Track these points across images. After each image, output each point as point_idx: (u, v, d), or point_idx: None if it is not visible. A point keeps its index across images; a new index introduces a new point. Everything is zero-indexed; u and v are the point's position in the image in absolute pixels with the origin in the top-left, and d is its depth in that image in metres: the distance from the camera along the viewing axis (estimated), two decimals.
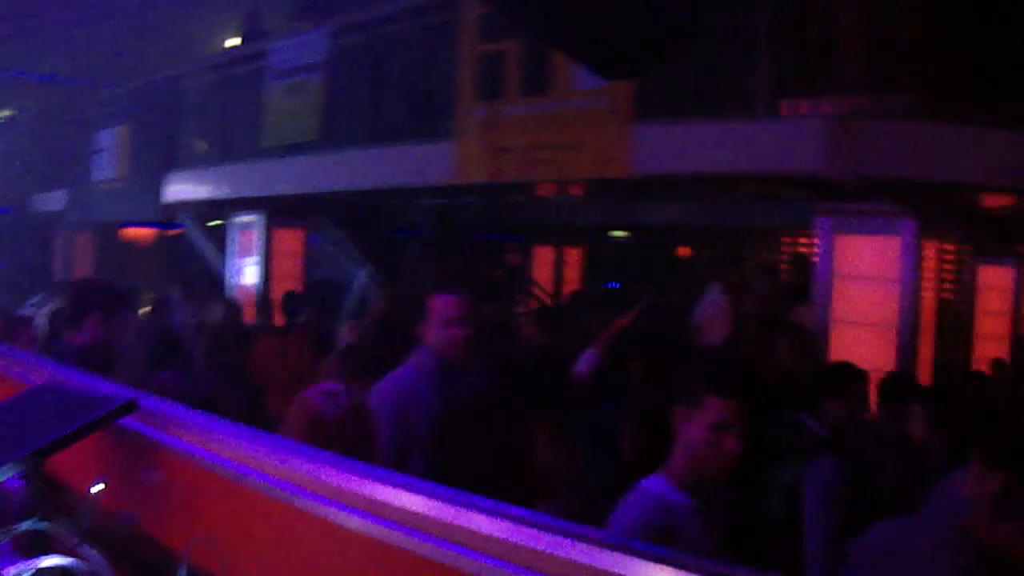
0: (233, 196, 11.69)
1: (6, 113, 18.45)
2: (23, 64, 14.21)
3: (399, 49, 9.67)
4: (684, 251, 13.62)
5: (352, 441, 3.10)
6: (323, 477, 2.07)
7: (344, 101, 10.20)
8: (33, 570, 2.24)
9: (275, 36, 11.75)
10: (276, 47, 11.20)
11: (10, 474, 2.54)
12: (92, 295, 4.52)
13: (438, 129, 9.10)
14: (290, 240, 11.97)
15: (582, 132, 7.69)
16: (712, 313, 6.79)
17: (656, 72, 6.47)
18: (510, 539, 1.67)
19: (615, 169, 7.43)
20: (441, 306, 3.89)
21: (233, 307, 8.46)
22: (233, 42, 13.38)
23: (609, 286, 13.34)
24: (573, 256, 13.53)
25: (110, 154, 14.48)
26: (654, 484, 2.95)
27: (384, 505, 1.89)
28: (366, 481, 1.98)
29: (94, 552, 2.36)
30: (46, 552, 2.34)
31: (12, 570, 2.24)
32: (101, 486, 2.70)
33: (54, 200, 16.45)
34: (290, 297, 8.76)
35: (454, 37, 8.81)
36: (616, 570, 1.56)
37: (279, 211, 11.66)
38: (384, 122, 9.85)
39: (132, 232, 16.30)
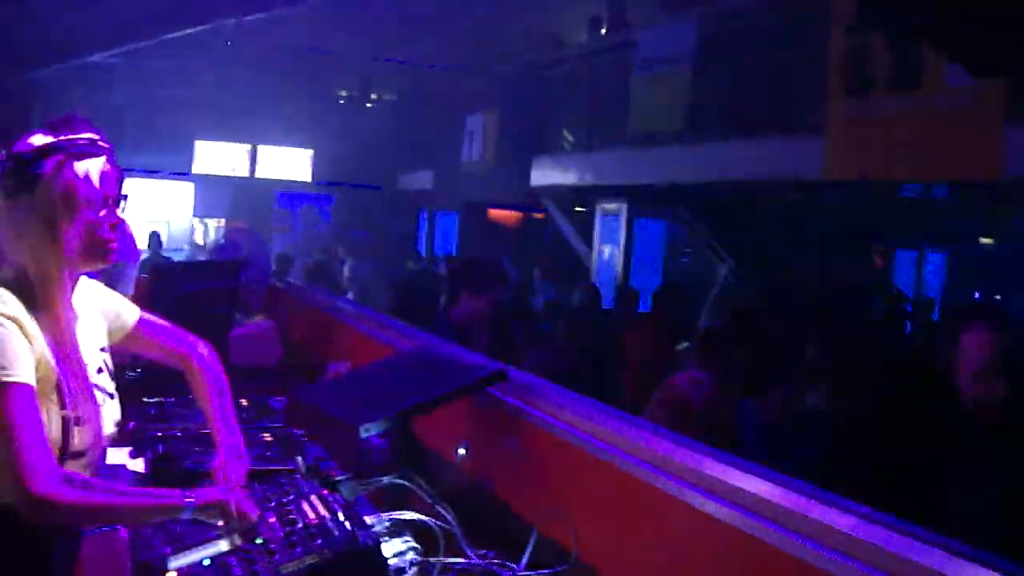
0: (597, 184, 13.20)
1: (376, 96, 21.82)
2: (393, 49, 16.84)
3: (763, 40, 10.55)
4: None
5: (713, 427, 3.57)
6: (681, 459, 2.25)
7: (709, 92, 11.34)
8: (389, 522, 2.59)
9: (639, 26, 13.16)
10: (643, 37, 12.62)
11: (378, 430, 2.94)
12: (471, 272, 5.13)
13: (802, 122, 9.94)
14: (652, 229, 13.35)
15: (951, 131, 8.17)
16: None
17: None
18: (859, 536, 1.80)
19: (985, 171, 7.93)
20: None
21: (593, 292, 9.96)
22: (599, 31, 15.15)
23: (978, 297, 13.28)
24: (936, 262, 13.94)
25: (478, 137, 16.98)
26: None
27: (738, 491, 2.06)
28: (722, 467, 2.15)
29: (448, 512, 2.63)
30: (403, 507, 2.69)
31: (370, 519, 2.51)
32: (463, 451, 3.14)
33: (422, 180, 19.40)
34: (662, 289, 9.23)
35: (819, 29, 9.59)
36: None
37: (642, 200, 12.95)
38: (747, 114, 10.79)
39: (497, 213, 18.56)
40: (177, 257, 15.65)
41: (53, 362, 2.09)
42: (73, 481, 2.03)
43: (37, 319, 2.08)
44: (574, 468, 2.64)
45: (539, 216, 16.64)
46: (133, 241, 6.99)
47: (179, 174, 20.33)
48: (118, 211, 2.20)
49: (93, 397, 2.20)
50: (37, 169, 2.08)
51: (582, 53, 14.71)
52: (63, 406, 2.09)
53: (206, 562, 2.24)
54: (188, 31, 13.08)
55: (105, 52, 14.01)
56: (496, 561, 2.57)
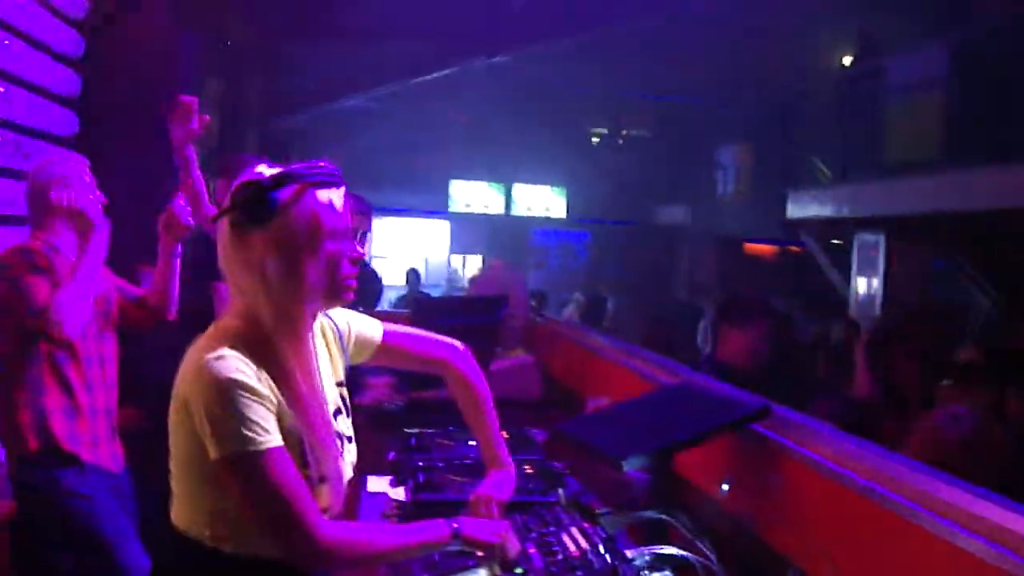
0: (854, 215, 12.83)
1: (629, 132, 22.01)
2: (644, 85, 16.99)
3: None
4: None
5: (978, 465, 3.28)
6: (947, 497, 2.16)
7: (967, 117, 10.83)
8: (649, 556, 2.54)
9: (890, 52, 12.78)
10: (894, 63, 12.29)
11: (640, 464, 2.93)
12: (738, 308, 5.15)
13: None
14: (910, 260, 12.74)
15: None
16: None
17: None
18: None
19: None
20: None
21: (853, 326, 9.56)
22: (847, 59, 14.89)
23: None
24: None
25: (731, 170, 16.96)
26: None
27: (1005, 531, 1.97)
28: (990, 505, 2.06)
29: (709, 548, 2.60)
30: (664, 542, 2.65)
31: (631, 553, 2.48)
32: (726, 487, 3.08)
33: (676, 214, 19.46)
34: (918, 321, 9.34)
35: None
36: None
37: (900, 230, 12.45)
38: (1010, 138, 10.09)
39: (754, 246, 18.34)
40: (435, 293, 16.09)
41: (294, 420, 2.01)
42: (347, 528, 2.06)
43: (272, 373, 1.99)
44: (836, 505, 2.53)
45: (794, 249, 16.26)
46: (376, 280, 7.24)
47: (435, 212, 20.96)
48: (359, 246, 2.11)
49: (336, 452, 2.13)
50: (276, 196, 1.97)
51: (833, 82, 14.43)
52: (305, 465, 2.02)
53: None
54: (439, 75, 13.54)
55: (359, 97, 14.62)
56: None
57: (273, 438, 1.93)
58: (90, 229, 3.61)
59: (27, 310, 3.35)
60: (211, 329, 2.05)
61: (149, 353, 5.38)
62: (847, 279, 13.69)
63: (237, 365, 1.92)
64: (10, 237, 3.67)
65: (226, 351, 1.94)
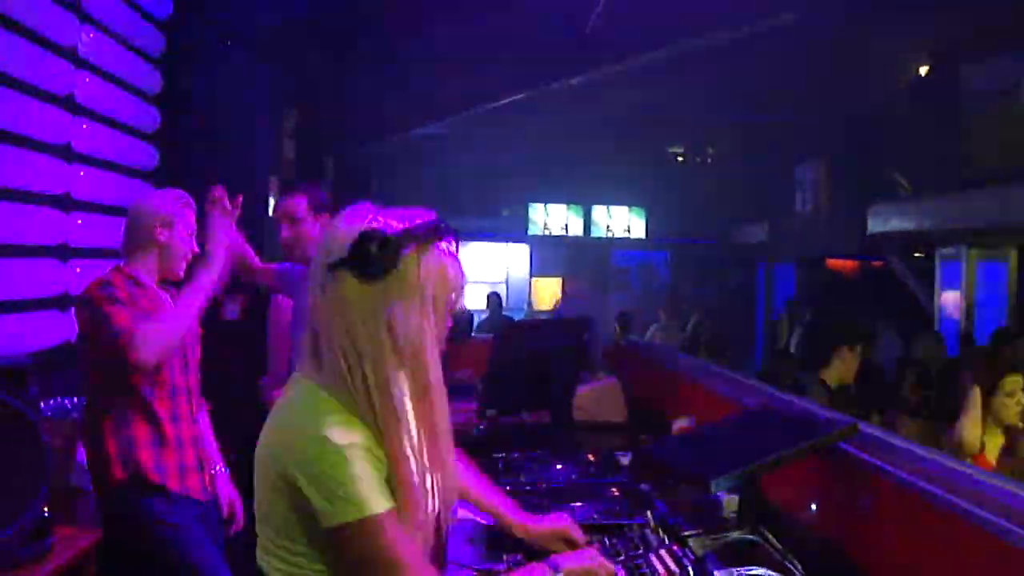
0: (936, 227, 12.61)
1: (707, 151, 21.91)
2: (721, 104, 16.91)
3: None
4: None
5: None
6: None
7: None
8: None
9: (967, 61, 12.55)
10: (973, 72, 12.13)
11: (728, 486, 2.96)
12: (830, 330, 5.40)
13: None
14: (996, 272, 12.56)
15: None
16: None
17: None
18: None
19: None
20: None
21: (939, 342, 9.51)
22: (924, 68, 14.70)
23: None
24: None
25: (810, 186, 16.75)
26: None
27: None
28: None
29: (798, 569, 2.65)
30: (753, 563, 2.68)
31: (720, 574, 2.53)
32: (814, 507, 3.08)
33: (756, 232, 19.33)
34: (998, 333, 9.13)
35: None
36: None
37: (984, 242, 12.33)
38: None
39: (835, 263, 18.12)
40: (516, 317, 16.12)
41: (403, 484, 1.95)
42: None
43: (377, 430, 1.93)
44: (926, 525, 2.51)
45: (876, 264, 16.04)
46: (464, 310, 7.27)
47: (515, 236, 21.03)
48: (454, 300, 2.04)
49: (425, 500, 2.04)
50: (405, 248, 1.93)
51: (911, 93, 14.32)
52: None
53: None
54: (515, 98, 13.62)
55: (437, 124, 14.75)
56: None
57: (385, 501, 1.90)
58: (184, 266, 3.72)
59: (106, 338, 3.41)
60: (303, 394, 1.99)
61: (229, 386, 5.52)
62: (931, 295, 13.52)
63: (352, 429, 1.89)
64: (96, 270, 3.77)
65: (338, 418, 1.90)
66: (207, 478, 3.91)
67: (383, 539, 1.88)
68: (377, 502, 1.87)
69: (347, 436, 1.87)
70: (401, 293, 1.91)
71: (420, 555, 1.94)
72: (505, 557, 2.87)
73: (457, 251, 2.00)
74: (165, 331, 3.46)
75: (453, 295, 1.99)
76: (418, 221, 1.95)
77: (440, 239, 1.96)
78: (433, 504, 2.03)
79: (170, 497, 3.63)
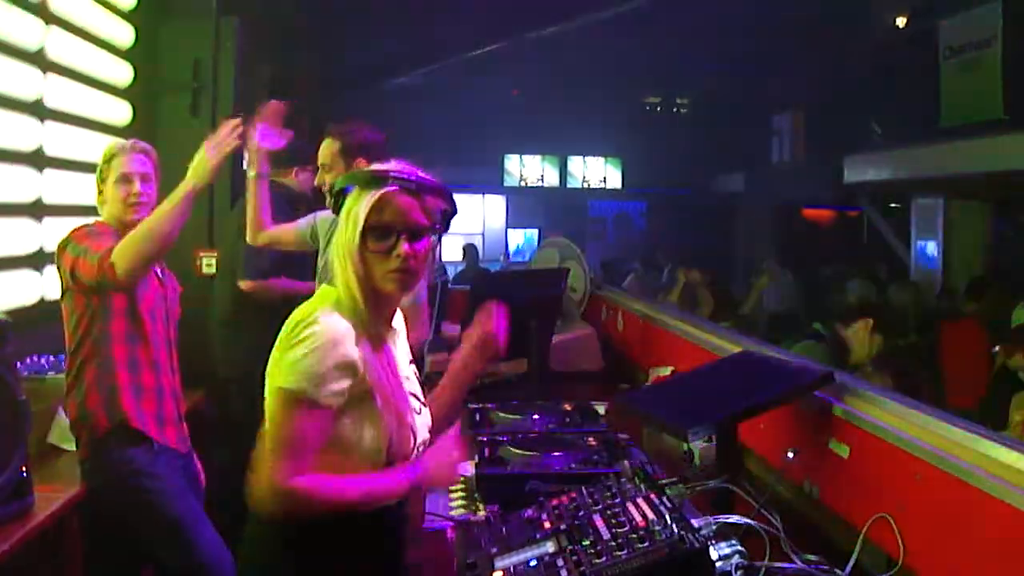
0: (911, 178, 12.56)
1: (683, 101, 21.81)
2: (697, 53, 16.80)
3: None
4: None
5: None
6: (1018, 465, 2.15)
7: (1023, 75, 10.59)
8: (715, 526, 2.58)
9: (943, 11, 12.44)
10: (947, 25, 12.07)
11: (705, 434, 3.01)
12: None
13: None
14: (971, 223, 12.69)
15: None
16: None
17: None
18: None
19: None
20: None
21: (913, 290, 9.58)
22: (901, 20, 14.63)
23: None
24: None
25: (786, 137, 16.78)
26: None
27: None
28: None
29: (774, 517, 2.66)
30: (729, 512, 2.72)
31: (697, 522, 2.49)
32: (791, 455, 3.07)
33: (733, 181, 19.33)
34: (972, 283, 9.27)
35: None
36: None
37: (960, 193, 12.36)
38: None
39: (811, 213, 18.20)
40: (493, 268, 16.09)
41: (372, 374, 2.23)
42: (317, 480, 2.15)
43: (361, 333, 2.23)
44: (900, 472, 2.54)
45: (853, 214, 16.07)
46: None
47: (490, 188, 20.95)
48: (409, 242, 2.29)
49: (409, 405, 2.36)
50: (347, 190, 2.34)
51: (887, 44, 14.22)
52: (382, 413, 2.25)
53: (532, 563, 2.31)
54: (490, 49, 13.51)
55: (411, 75, 14.65)
56: (822, 566, 2.53)
57: (322, 397, 2.13)
58: (133, 210, 3.76)
59: (86, 262, 3.49)
60: (317, 295, 2.33)
61: (213, 341, 5.50)
62: (907, 242, 13.58)
63: (342, 326, 2.19)
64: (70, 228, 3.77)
65: (335, 313, 2.21)
66: (185, 429, 3.93)
67: (297, 420, 2.14)
68: (323, 393, 2.13)
69: (341, 334, 2.17)
70: (344, 222, 2.29)
71: (308, 456, 2.14)
72: (484, 508, 2.90)
73: (408, 192, 2.31)
74: (138, 239, 3.48)
75: (386, 224, 2.27)
76: (367, 170, 2.37)
77: (379, 186, 2.28)
78: (412, 409, 2.38)
79: (153, 448, 3.66)
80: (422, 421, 2.42)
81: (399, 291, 2.30)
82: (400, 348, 2.49)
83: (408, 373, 2.47)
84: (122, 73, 5.86)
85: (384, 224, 2.26)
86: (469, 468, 3.20)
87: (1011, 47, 10.85)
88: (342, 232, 2.29)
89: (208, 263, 5.88)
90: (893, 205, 14.26)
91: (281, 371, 2.14)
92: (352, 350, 2.17)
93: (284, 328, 2.20)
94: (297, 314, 2.21)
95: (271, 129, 4.30)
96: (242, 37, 6.46)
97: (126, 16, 5.90)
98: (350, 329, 2.19)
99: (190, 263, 5.81)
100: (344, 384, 2.15)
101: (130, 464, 3.62)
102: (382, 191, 2.27)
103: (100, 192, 3.81)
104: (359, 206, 2.27)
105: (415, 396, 2.43)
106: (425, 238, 2.31)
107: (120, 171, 3.77)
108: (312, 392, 2.11)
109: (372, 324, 2.28)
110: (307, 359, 2.12)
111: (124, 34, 5.86)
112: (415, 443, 2.34)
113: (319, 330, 2.14)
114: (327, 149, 4.28)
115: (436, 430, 2.52)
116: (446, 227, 2.43)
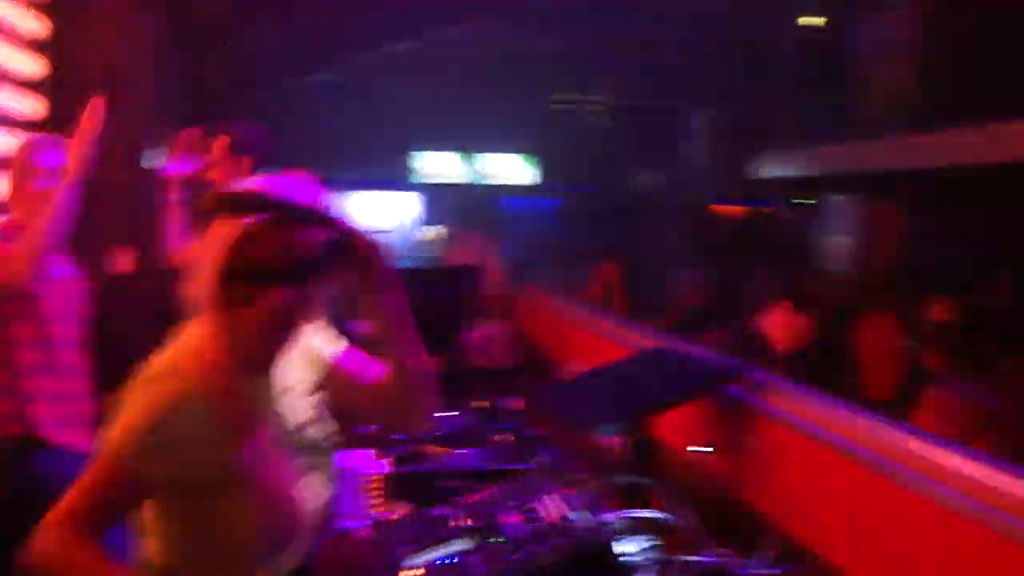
0: (825, 175, 12.90)
1: (596, 99, 21.92)
2: (610, 50, 16.89)
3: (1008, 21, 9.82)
4: None
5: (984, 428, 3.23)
6: (921, 452, 2.17)
7: (939, 74, 10.86)
8: (628, 520, 2.52)
9: (860, 11, 12.80)
10: (860, 24, 12.42)
11: (616, 430, 2.98)
12: None
13: None
14: (884, 218, 12.84)
15: None
16: None
17: None
18: None
19: None
20: None
21: (828, 284, 10.04)
22: (809, 20, 14.86)
23: None
24: None
25: (700, 135, 17.02)
26: None
27: (974, 482, 2.00)
28: (964, 460, 2.06)
29: (687, 510, 2.64)
30: (642, 506, 2.68)
31: (609, 517, 2.47)
32: (701, 449, 3.08)
33: (646, 179, 19.40)
34: (883, 276, 9.72)
35: None
36: None
37: (872, 189, 12.58)
38: (979, 96, 10.06)
39: (723, 209, 18.36)
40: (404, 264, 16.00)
41: (233, 455, 1.88)
42: (67, 550, 1.91)
43: (230, 410, 1.89)
44: (813, 465, 2.56)
45: (765, 211, 16.28)
46: None
47: (402, 185, 20.89)
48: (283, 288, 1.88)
49: (288, 475, 1.99)
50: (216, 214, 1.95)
51: (802, 42, 14.46)
52: (252, 501, 1.91)
53: (446, 560, 2.30)
54: (401, 46, 13.45)
55: (320, 71, 14.53)
56: (736, 559, 2.52)
57: (149, 468, 1.87)
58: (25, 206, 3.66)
59: None
60: (185, 335, 1.96)
61: (124, 340, 5.38)
62: (819, 239, 13.79)
63: (192, 420, 1.86)
64: None
65: (187, 397, 1.87)
66: (96, 433, 3.84)
67: (96, 476, 1.92)
68: (134, 465, 1.86)
69: (189, 428, 1.85)
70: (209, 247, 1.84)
71: (85, 516, 1.90)
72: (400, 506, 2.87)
73: (284, 223, 1.86)
74: (29, 239, 3.44)
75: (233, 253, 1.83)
76: (236, 192, 1.90)
77: (246, 213, 1.84)
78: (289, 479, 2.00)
79: (62, 452, 3.57)
80: (314, 485, 2.06)
81: (270, 350, 1.95)
82: (284, 374, 2.07)
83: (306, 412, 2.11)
84: (35, 67, 5.74)
85: (249, 265, 1.83)
86: (385, 466, 3.15)
87: (926, 47, 11.14)
88: (198, 273, 1.86)
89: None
90: (806, 202, 14.30)
91: (115, 431, 1.88)
92: (199, 430, 1.85)
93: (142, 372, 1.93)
94: (155, 364, 1.93)
95: (183, 157, 4.22)
96: (155, 33, 6.35)
97: (41, 9, 5.77)
98: (204, 398, 1.86)
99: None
100: (180, 468, 1.86)
101: (38, 469, 3.54)
102: (250, 221, 1.83)
103: (15, 188, 3.74)
104: (218, 241, 1.83)
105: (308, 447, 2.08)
106: (303, 282, 1.87)
107: (33, 166, 3.67)
108: (126, 463, 1.86)
109: (238, 387, 1.91)
110: (140, 425, 1.85)
111: (37, 28, 5.73)
112: (300, 518, 2.00)
113: (159, 398, 1.86)
114: (217, 144, 4.21)
115: (399, 356, 2.17)
116: (334, 264, 1.94)
